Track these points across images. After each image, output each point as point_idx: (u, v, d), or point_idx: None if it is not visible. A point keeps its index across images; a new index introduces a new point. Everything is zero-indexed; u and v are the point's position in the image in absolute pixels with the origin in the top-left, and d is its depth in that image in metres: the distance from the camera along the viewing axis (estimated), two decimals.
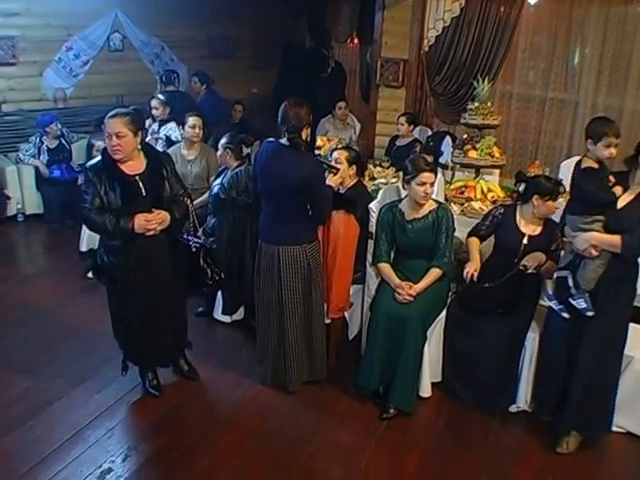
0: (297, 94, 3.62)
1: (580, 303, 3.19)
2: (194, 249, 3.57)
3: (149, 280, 3.40)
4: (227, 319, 4.55)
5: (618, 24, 6.23)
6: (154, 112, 5.86)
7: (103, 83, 7.51)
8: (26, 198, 6.67)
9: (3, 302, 4.77)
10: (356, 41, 8.72)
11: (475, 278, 3.62)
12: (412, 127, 6.11)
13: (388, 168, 5.45)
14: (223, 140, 4.35)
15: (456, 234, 3.91)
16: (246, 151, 4.32)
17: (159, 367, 3.79)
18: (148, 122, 5.68)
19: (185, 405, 3.69)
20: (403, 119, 6.09)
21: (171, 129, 5.73)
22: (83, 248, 5.19)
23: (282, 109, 3.43)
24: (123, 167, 3.27)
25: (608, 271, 3.16)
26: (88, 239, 5.03)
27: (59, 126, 6.70)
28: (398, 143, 6.14)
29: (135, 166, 3.30)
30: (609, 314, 3.21)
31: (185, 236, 3.58)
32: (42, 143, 6.65)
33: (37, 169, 6.59)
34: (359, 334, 4.20)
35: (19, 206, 6.62)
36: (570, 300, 3.23)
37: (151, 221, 3.25)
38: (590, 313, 3.18)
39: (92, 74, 7.44)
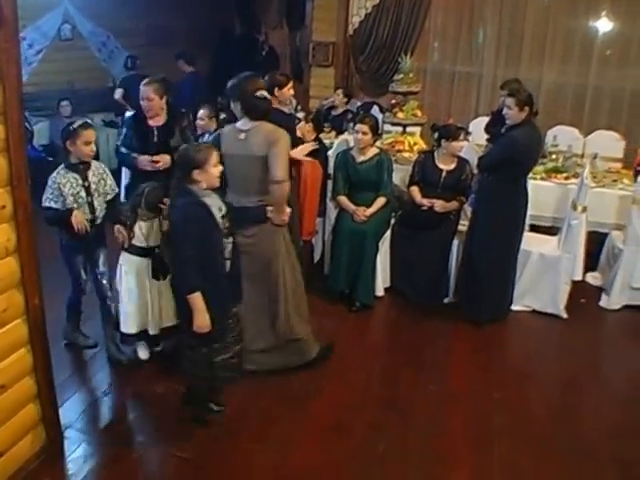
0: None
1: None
2: None
3: None
4: None
5: (511, 7, 7.90)
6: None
7: (55, 70, 8.46)
8: None
9: None
10: (285, 27, 10.05)
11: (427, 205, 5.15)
12: (347, 100, 7.57)
13: (330, 132, 6.93)
14: (206, 111, 5.56)
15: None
16: (222, 115, 5.61)
17: None
18: None
19: None
20: (340, 91, 7.55)
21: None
22: None
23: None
24: (150, 121, 4.61)
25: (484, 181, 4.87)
26: None
27: None
28: (334, 113, 7.57)
29: (157, 120, 4.65)
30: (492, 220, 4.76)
31: None
32: None
33: None
34: (321, 258, 5.63)
35: None
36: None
37: (155, 161, 4.49)
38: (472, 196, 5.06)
39: (45, 62, 8.31)
